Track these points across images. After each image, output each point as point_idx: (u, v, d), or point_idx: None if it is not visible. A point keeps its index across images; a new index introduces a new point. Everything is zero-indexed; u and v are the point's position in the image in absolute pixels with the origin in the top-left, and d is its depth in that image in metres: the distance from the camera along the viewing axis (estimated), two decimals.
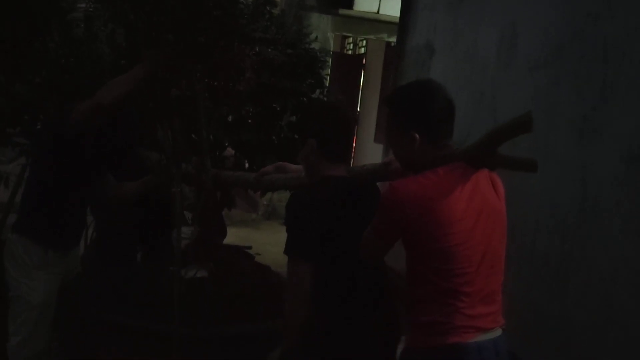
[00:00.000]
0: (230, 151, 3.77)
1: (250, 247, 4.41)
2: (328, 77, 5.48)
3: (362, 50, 11.73)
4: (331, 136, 2.32)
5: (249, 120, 3.88)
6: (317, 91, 4.16)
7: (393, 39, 8.72)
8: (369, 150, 9.50)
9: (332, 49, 10.41)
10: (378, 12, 10.00)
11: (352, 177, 2.39)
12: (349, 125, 2.51)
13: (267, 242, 3.24)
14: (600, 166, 3.32)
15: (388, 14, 9.44)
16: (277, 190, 2.90)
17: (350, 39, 12.02)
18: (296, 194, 2.37)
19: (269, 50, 3.63)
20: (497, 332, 2.05)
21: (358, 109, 10.86)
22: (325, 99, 4.29)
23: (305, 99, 3.96)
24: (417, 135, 2.02)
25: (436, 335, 1.96)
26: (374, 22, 9.99)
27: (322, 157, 2.31)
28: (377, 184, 2.50)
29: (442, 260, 1.96)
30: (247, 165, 3.98)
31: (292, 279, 2.18)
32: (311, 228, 2.15)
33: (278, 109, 3.82)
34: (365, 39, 11.23)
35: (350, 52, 12.21)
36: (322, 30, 9.88)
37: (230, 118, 3.78)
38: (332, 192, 2.23)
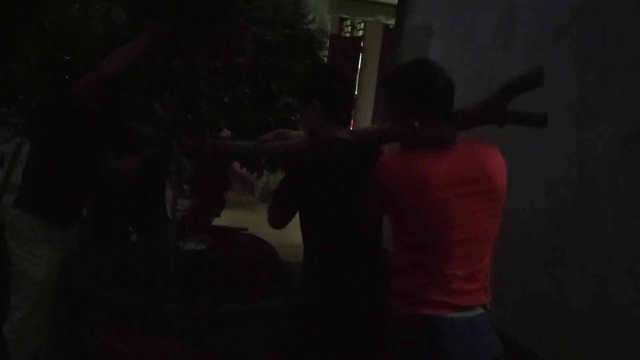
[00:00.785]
0: (226, 132, 3.75)
1: (246, 229, 4.40)
2: (326, 60, 5.45)
3: (360, 32, 11.67)
4: (334, 97, 2.32)
5: (246, 101, 3.85)
6: None
7: (391, 22, 8.68)
8: None
9: (329, 31, 10.35)
10: None
11: (357, 139, 2.38)
12: (351, 87, 2.50)
13: (263, 224, 3.21)
14: (597, 149, 3.32)
15: None
16: (277, 157, 2.86)
17: (348, 21, 11.96)
18: (303, 153, 2.36)
19: (266, 30, 3.60)
20: (477, 311, 2.03)
21: (356, 92, 10.82)
22: None
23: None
24: (416, 116, 2.00)
25: (411, 306, 1.97)
26: (372, 4, 9.91)
27: (325, 120, 2.30)
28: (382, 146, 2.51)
29: (421, 236, 1.97)
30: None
31: (271, 214, 2.35)
32: (312, 188, 2.16)
33: (275, 90, 3.79)
34: (363, 21, 11.17)
35: (348, 34, 12.15)
36: (319, 12, 9.80)
37: (226, 99, 3.75)
38: (339, 153, 2.23)
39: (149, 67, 3.00)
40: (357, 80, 10.91)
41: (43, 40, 3.31)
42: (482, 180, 2.01)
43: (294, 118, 3.81)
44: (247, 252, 3.04)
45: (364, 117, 9.99)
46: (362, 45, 11.15)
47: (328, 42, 5.60)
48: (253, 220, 3.96)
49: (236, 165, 4.13)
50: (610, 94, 3.27)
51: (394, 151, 2.10)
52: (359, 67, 10.99)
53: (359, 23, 11.59)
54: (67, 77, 3.15)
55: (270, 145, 2.74)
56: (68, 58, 3.29)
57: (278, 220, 2.35)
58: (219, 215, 3.58)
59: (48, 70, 3.28)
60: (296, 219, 2.33)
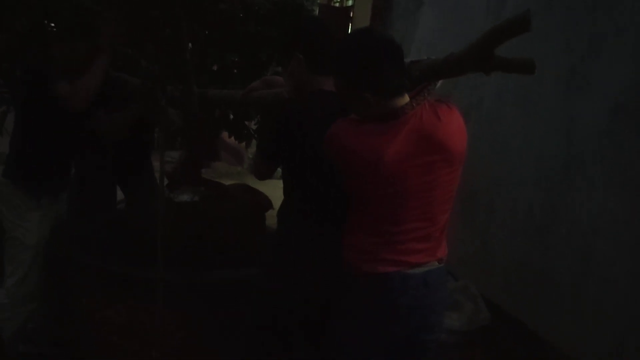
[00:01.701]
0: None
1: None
2: None
3: (350, 2, 11.55)
4: (319, 48, 2.28)
5: (234, 70, 3.82)
6: None
7: None
8: None
9: (318, 0, 10.24)
10: None
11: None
12: (334, 39, 2.45)
13: None
14: (586, 118, 3.32)
15: None
16: (266, 106, 2.81)
17: None
18: (289, 104, 2.34)
19: None
20: (431, 266, 2.03)
21: None
22: None
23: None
24: (368, 95, 1.94)
25: (364, 263, 1.99)
26: None
27: (310, 71, 2.28)
28: None
29: (375, 203, 1.97)
30: (231, 116, 3.94)
31: (255, 165, 2.38)
32: (296, 139, 2.16)
33: (263, 58, 3.76)
34: None
35: (337, 4, 12.02)
36: None
37: (215, 67, 3.72)
38: (324, 105, 2.21)
39: (129, 19, 2.94)
40: None
41: (28, 9, 3.26)
42: (438, 150, 1.97)
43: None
44: (241, 202, 3.01)
45: None
46: (351, 14, 11.04)
47: (317, 11, 5.54)
48: None
49: (225, 135, 4.12)
50: (599, 64, 3.27)
51: (346, 120, 2.04)
52: None
53: None
54: (52, 45, 3.10)
55: (259, 94, 2.70)
56: (53, 26, 3.25)
57: (262, 171, 2.36)
58: (209, 167, 3.56)
59: (32, 39, 3.24)
60: None
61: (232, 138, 3.97)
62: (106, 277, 2.63)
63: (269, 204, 3.15)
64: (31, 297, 2.90)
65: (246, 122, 3.95)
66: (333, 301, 2.14)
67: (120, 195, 3.68)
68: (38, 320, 3.01)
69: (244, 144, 4.13)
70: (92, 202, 3.26)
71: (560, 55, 3.50)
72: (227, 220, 2.78)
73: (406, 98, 1.99)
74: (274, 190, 2.90)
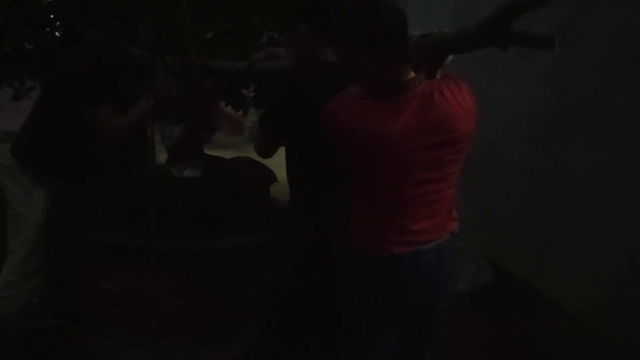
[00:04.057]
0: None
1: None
2: None
3: None
4: (325, 18, 2.14)
5: (228, 37, 3.76)
6: None
7: None
8: None
9: None
10: None
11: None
12: (338, 5, 2.33)
13: None
14: (581, 74, 3.30)
15: None
16: (270, 78, 2.74)
17: None
18: (296, 78, 2.25)
19: None
20: (442, 238, 1.97)
21: None
22: None
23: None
24: (366, 60, 1.84)
25: (371, 244, 1.93)
26: None
27: (316, 43, 2.17)
28: None
29: (376, 181, 1.90)
30: (226, 85, 3.90)
31: (259, 141, 2.26)
32: (304, 115, 2.06)
33: (256, 23, 3.69)
34: None
35: None
36: None
37: (208, 35, 3.67)
38: (334, 77, 2.08)
39: None
40: None
41: None
42: (444, 130, 1.87)
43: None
44: (242, 174, 2.98)
45: None
46: None
47: None
48: None
49: (223, 105, 4.08)
50: (594, 20, 3.22)
51: (347, 94, 1.91)
52: None
53: None
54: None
55: (262, 66, 2.62)
56: None
57: (267, 147, 2.25)
58: (210, 141, 3.52)
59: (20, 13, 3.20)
60: None
61: (229, 106, 3.94)
62: (102, 248, 2.62)
63: (272, 176, 3.12)
64: (36, 273, 2.91)
65: (243, 91, 3.90)
66: (341, 281, 2.11)
67: None
68: (41, 294, 3.02)
69: (241, 112, 4.09)
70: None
71: (555, 10, 3.45)
72: (229, 193, 2.76)
73: (411, 73, 1.90)
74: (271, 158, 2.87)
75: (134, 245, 2.45)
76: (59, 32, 3.33)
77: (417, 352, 2.14)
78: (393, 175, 1.87)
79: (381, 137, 1.82)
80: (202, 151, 3.22)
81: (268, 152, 2.27)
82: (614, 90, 3.07)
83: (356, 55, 1.85)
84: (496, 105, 4.00)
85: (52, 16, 3.30)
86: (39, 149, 2.87)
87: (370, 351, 2.02)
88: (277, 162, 2.60)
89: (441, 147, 1.87)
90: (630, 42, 2.96)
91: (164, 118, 3.17)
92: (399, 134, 1.82)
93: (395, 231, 1.91)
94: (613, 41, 3.08)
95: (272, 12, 3.58)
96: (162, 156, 3.19)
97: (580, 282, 3.31)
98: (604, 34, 3.15)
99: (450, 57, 2.02)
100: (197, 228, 2.66)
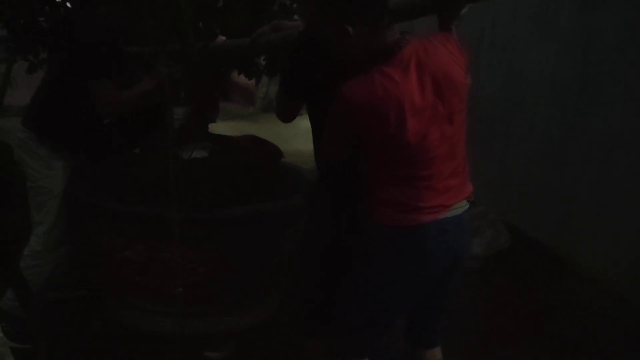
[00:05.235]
0: (221, 39, 3.65)
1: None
2: None
3: None
4: None
5: (239, 5, 3.72)
6: None
7: None
8: None
9: None
10: None
11: None
12: None
13: (266, 135, 3.18)
14: (602, 34, 3.23)
15: None
16: (275, 50, 2.70)
17: None
18: (315, 35, 2.19)
19: None
20: (462, 207, 1.99)
21: None
22: None
23: None
24: (348, 19, 1.81)
25: (397, 214, 1.93)
26: None
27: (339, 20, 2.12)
28: None
29: (398, 153, 1.89)
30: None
31: (279, 108, 2.22)
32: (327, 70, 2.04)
33: None
34: None
35: None
36: None
37: (220, 3, 3.62)
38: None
39: None
40: None
41: None
42: (447, 80, 1.89)
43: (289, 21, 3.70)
44: (249, 153, 2.99)
45: None
46: None
47: None
48: (255, 131, 3.90)
49: (234, 75, 4.05)
50: None
51: (351, 80, 1.86)
52: None
53: None
54: None
55: (267, 39, 2.59)
56: None
57: (288, 111, 2.20)
58: (214, 121, 3.51)
59: None
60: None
61: (242, 77, 3.90)
62: (125, 218, 2.64)
63: (279, 153, 3.13)
64: (61, 242, 2.94)
65: (255, 59, 3.87)
66: (360, 251, 2.08)
67: None
68: (66, 265, 3.05)
69: (254, 82, 4.06)
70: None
71: None
72: (238, 172, 2.76)
73: (397, 34, 1.90)
74: (272, 126, 2.84)
75: (156, 214, 2.46)
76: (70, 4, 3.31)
77: (431, 314, 2.19)
78: (413, 139, 1.86)
79: (396, 98, 1.82)
80: (208, 131, 3.22)
81: (290, 116, 2.23)
82: (636, 51, 3.01)
83: (333, 20, 1.83)
84: (515, 69, 3.95)
85: None
86: (53, 121, 2.87)
87: (379, 322, 2.08)
88: (284, 137, 2.58)
89: (448, 97, 1.89)
90: None
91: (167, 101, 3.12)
92: (411, 90, 1.83)
93: (420, 197, 1.91)
94: (635, 1, 3.02)
95: None
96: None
97: (601, 244, 3.29)
98: None
99: (465, 8, 2.02)
100: (215, 199, 2.66)
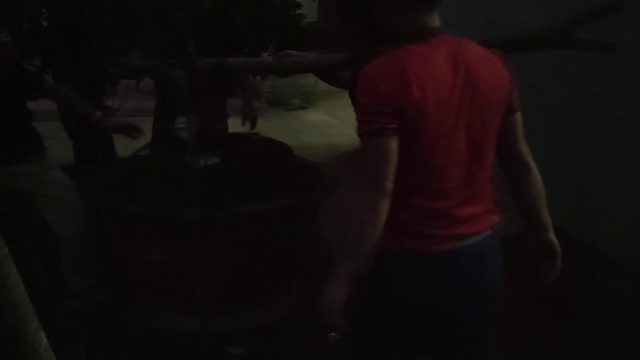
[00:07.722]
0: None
1: (257, 135, 4.38)
2: None
3: None
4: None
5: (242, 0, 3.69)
6: None
7: None
8: None
9: None
10: None
11: None
12: None
13: (273, 129, 3.17)
14: (620, 16, 3.20)
15: None
16: (302, 72, 2.68)
17: None
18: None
19: None
20: (484, 234, 1.76)
21: None
22: None
23: None
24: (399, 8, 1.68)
25: (405, 239, 1.70)
26: None
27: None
28: None
29: (414, 150, 1.65)
30: (245, 50, 3.86)
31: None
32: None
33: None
34: None
35: None
36: None
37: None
38: None
39: None
40: None
41: None
42: (487, 86, 1.71)
43: (292, 13, 3.67)
44: (259, 157, 3.00)
45: None
46: None
47: None
48: (262, 125, 3.90)
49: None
50: None
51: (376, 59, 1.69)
52: None
53: None
54: None
55: (295, 60, 2.51)
56: None
57: None
58: (225, 129, 3.52)
59: None
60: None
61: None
62: (143, 219, 2.65)
63: (288, 152, 3.12)
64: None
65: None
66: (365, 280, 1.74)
67: None
68: (80, 264, 3.04)
69: (259, 78, 4.05)
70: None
71: None
72: (249, 175, 2.77)
73: (436, 21, 1.71)
74: (279, 120, 2.83)
75: (175, 215, 2.47)
76: None
77: None
78: (426, 137, 1.65)
79: (417, 68, 1.65)
80: (215, 138, 3.23)
81: None
82: None
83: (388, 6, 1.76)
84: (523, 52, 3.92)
85: None
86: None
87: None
88: (293, 129, 2.58)
89: (479, 104, 1.70)
90: None
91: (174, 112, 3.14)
92: (435, 71, 1.66)
93: (433, 224, 1.70)
94: None
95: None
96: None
97: (616, 226, 3.28)
98: None
99: None
100: (232, 198, 2.67)
